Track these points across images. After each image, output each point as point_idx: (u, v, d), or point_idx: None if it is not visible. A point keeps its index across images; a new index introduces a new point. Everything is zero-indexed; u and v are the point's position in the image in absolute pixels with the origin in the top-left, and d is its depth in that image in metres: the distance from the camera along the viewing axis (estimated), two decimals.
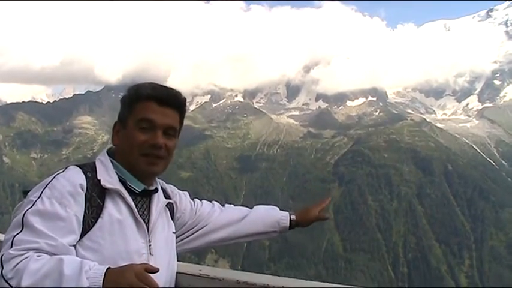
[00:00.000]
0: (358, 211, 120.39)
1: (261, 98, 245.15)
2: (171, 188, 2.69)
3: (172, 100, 2.33)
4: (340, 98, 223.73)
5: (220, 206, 2.99)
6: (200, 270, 2.80)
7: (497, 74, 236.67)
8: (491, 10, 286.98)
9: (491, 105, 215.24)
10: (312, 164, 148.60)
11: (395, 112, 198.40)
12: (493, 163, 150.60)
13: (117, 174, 2.25)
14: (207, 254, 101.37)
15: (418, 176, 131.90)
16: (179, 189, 2.86)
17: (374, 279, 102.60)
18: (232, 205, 3.07)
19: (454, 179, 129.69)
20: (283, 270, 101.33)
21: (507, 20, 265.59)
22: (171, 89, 2.36)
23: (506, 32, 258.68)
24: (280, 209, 3.03)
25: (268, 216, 2.96)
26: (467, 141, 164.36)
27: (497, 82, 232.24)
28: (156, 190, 2.41)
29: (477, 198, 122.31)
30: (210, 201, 3.01)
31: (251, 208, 3.04)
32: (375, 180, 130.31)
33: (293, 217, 2.96)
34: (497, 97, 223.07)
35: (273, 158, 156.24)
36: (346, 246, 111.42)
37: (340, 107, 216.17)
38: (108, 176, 2.21)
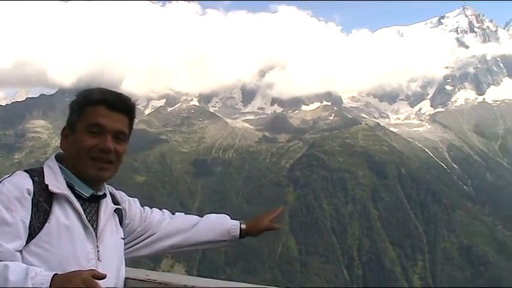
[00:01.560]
0: (313, 215, 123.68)
1: (217, 102, 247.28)
2: (120, 194, 2.73)
3: (122, 105, 2.37)
4: (295, 103, 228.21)
5: (171, 214, 3.10)
6: (148, 276, 2.91)
7: (448, 79, 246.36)
8: (442, 17, 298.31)
9: (443, 110, 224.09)
10: (267, 168, 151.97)
11: (350, 116, 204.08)
12: (445, 167, 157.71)
13: (65, 179, 2.26)
14: (162, 259, 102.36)
15: (372, 179, 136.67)
16: (129, 195, 2.96)
17: (329, 282, 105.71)
18: (182, 213, 3.18)
19: (407, 182, 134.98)
20: (239, 274, 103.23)
21: (457, 27, 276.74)
22: (120, 94, 2.41)
23: (457, 39, 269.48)
24: (234, 215, 3.25)
25: (219, 224, 3.07)
26: (420, 145, 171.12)
27: (448, 87, 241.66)
28: (105, 195, 2.44)
29: (430, 201, 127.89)
30: (160, 209, 3.13)
31: (202, 216, 3.17)
32: (329, 184, 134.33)
33: (243, 226, 3.08)
34: (449, 102, 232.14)
35: (228, 162, 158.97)
36: (302, 250, 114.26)
37: (296, 112, 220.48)
38: (56, 181, 2.21)
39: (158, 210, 3.04)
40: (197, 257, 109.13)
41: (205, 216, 3.16)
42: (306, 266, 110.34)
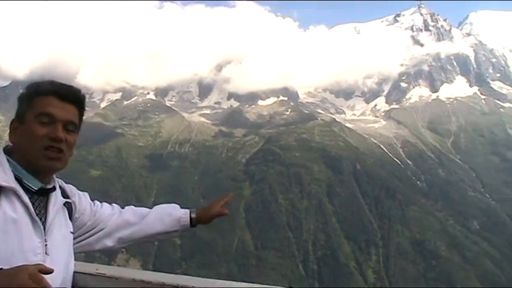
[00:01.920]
0: (269, 209, 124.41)
1: (173, 96, 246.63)
2: (70, 188, 2.70)
3: (73, 96, 2.37)
4: (252, 97, 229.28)
5: (120, 208, 3.10)
6: (97, 270, 2.88)
7: (403, 76, 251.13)
8: (398, 15, 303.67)
9: (397, 106, 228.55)
10: (223, 163, 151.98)
11: (306, 112, 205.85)
12: (399, 162, 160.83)
13: (14, 172, 2.23)
14: (117, 254, 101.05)
15: (327, 174, 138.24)
16: (84, 189, 2.97)
17: (285, 276, 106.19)
18: (132, 206, 3.19)
19: (362, 177, 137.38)
20: (194, 268, 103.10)
21: (413, 26, 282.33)
22: (71, 86, 2.41)
23: (412, 37, 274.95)
24: (185, 207, 3.24)
25: (168, 215, 3.06)
26: (375, 141, 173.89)
27: (403, 84, 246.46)
28: (54, 189, 2.41)
29: (384, 196, 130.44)
30: (111, 204, 3.11)
31: (152, 208, 3.19)
32: (285, 179, 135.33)
33: (193, 215, 3.10)
34: (404, 99, 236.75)
35: (185, 156, 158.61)
36: (257, 244, 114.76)
37: (252, 106, 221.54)
38: (3, 174, 2.19)
39: (108, 205, 3.02)
40: (153, 252, 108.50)
41: (155, 207, 3.18)
42: (261, 261, 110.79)
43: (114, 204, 3.10)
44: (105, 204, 3.03)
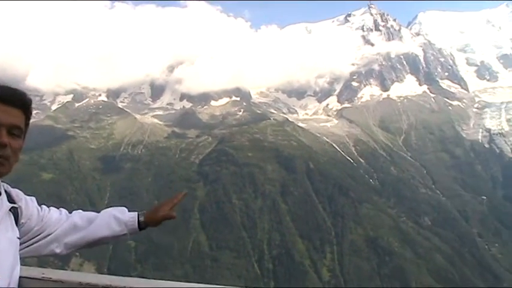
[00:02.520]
0: (224, 210, 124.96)
1: (125, 97, 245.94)
2: (16, 192, 2.67)
3: (17, 100, 2.31)
4: (205, 98, 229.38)
5: (68, 213, 3.07)
6: (43, 274, 2.89)
7: (355, 76, 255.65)
8: (349, 15, 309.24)
9: (349, 105, 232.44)
10: (176, 164, 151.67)
11: (259, 112, 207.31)
12: (352, 161, 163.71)
13: None
14: (71, 257, 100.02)
15: (281, 174, 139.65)
16: (36, 193, 2.94)
17: (240, 276, 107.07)
18: (80, 211, 3.15)
19: (315, 176, 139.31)
20: (150, 271, 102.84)
21: (363, 25, 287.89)
22: (16, 89, 2.34)
23: (363, 37, 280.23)
24: (137, 210, 3.23)
25: (116, 219, 3.05)
26: (327, 140, 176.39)
27: (355, 84, 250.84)
28: None
29: (337, 194, 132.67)
30: (58, 208, 3.09)
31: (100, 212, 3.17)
32: (239, 179, 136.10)
33: (141, 218, 3.09)
34: (355, 98, 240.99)
35: (138, 158, 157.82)
36: (212, 245, 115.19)
37: (205, 107, 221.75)
38: None
39: (56, 209, 3.04)
40: (107, 255, 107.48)
41: (103, 211, 3.19)
42: (216, 261, 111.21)
43: (61, 209, 3.15)
44: (53, 209, 3.05)
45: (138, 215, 3.11)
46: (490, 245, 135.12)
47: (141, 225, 3.07)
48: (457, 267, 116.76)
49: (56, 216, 2.92)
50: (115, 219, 3.05)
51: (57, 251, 2.84)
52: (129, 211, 3.23)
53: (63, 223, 2.90)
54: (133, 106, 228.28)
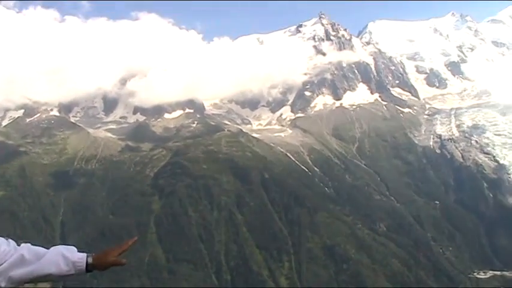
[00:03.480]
0: (180, 223, 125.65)
1: (78, 112, 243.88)
2: None
3: None
4: (158, 111, 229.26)
5: (16, 245, 3.05)
6: None
7: (307, 85, 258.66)
8: (300, 26, 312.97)
9: (303, 115, 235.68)
10: (131, 178, 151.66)
11: (213, 123, 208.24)
12: (307, 170, 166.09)
13: None
14: None
15: (236, 185, 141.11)
16: None
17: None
18: (29, 244, 3.13)
19: (270, 186, 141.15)
20: (106, 285, 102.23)
21: (315, 36, 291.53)
22: None
23: (315, 47, 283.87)
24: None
25: (64, 258, 3.05)
26: (282, 150, 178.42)
27: (307, 93, 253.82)
28: None
29: (293, 204, 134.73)
30: (6, 239, 3.09)
31: (49, 248, 3.17)
32: (194, 191, 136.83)
33: (90, 260, 3.12)
34: (308, 107, 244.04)
35: (92, 173, 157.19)
36: (169, 258, 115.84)
37: (158, 120, 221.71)
38: None
39: (4, 240, 3.10)
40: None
41: (52, 248, 3.25)
42: (174, 274, 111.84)
43: (10, 240, 3.21)
44: (1, 239, 3.12)
45: (87, 256, 3.25)
46: (444, 248, 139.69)
47: (89, 268, 3.23)
48: (412, 271, 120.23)
49: (3, 248, 2.99)
50: (63, 258, 3.14)
51: (2, 285, 2.87)
52: (78, 251, 3.35)
53: (11, 256, 2.96)
54: (86, 120, 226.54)
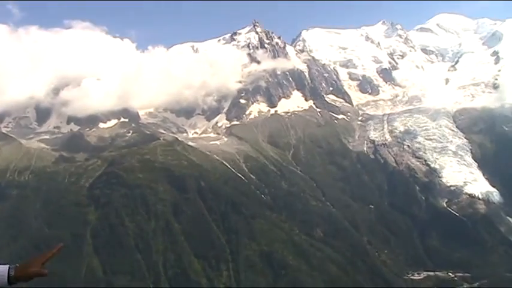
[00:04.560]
0: (116, 233, 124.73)
1: (9, 122, 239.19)
2: None
3: None
4: (92, 120, 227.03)
5: None
6: None
7: (242, 93, 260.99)
8: (234, 34, 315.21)
9: (238, 122, 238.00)
10: (66, 189, 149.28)
11: (148, 132, 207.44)
12: (243, 177, 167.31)
13: None
14: None
15: (173, 194, 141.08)
16: None
17: None
18: None
19: (207, 195, 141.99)
20: None
21: (249, 43, 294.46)
22: None
23: (249, 54, 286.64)
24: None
25: None
26: (218, 158, 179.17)
27: (242, 101, 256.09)
28: None
29: (230, 211, 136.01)
30: None
31: None
32: (131, 201, 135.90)
33: (12, 272, 3.06)
34: (244, 115, 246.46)
35: (25, 184, 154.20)
36: (106, 269, 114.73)
37: (93, 129, 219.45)
38: None
39: None
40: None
41: None
42: (111, 285, 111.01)
43: None
44: None
45: (9, 268, 3.27)
46: (379, 251, 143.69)
47: (11, 280, 3.24)
48: (350, 276, 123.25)
49: None
50: None
51: None
52: (1, 263, 3.42)
53: None
54: (18, 131, 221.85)
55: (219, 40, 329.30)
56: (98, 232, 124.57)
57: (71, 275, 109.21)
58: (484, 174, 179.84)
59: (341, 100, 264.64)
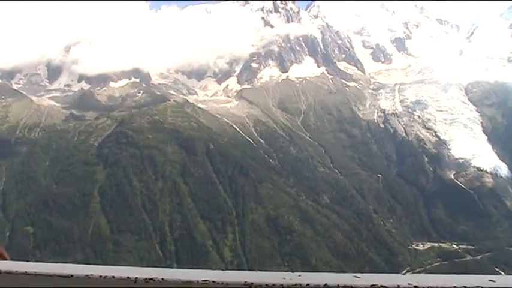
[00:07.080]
0: (124, 193, 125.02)
1: (21, 79, 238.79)
2: None
3: None
4: (103, 79, 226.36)
5: None
6: None
7: (254, 57, 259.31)
8: None
9: (249, 86, 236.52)
10: (75, 147, 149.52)
11: (159, 93, 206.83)
12: (252, 141, 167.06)
13: None
14: None
15: (181, 155, 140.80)
16: None
17: (143, 258, 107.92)
18: None
19: (215, 157, 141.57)
20: (49, 257, 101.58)
21: (263, 7, 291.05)
22: None
23: (263, 18, 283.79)
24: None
25: None
26: (227, 121, 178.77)
27: (254, 65, 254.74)
28: None
29: (238, 175, 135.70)
30: None
31: None
32: (139, 161, 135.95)
33: None
34: (255, 79, 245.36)
35: (34, 141, 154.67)
36: (113, 228, 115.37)
37: (103, 88, 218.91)
38: None
39: None
40: (3, 242, 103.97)
41: None
42: (118, 244, 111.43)
43: None
44: None
45: None
46: (385, 220, 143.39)
47: None
48: (354, 243, 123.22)
49: None
50: None
51: None
52: None
53: None
54: (29, 88, 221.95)
55: (233, 3, 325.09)
56: (105, 191, 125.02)
57: (78, 232, 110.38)
58: (493, 148, 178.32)
59: (353, 68, 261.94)
